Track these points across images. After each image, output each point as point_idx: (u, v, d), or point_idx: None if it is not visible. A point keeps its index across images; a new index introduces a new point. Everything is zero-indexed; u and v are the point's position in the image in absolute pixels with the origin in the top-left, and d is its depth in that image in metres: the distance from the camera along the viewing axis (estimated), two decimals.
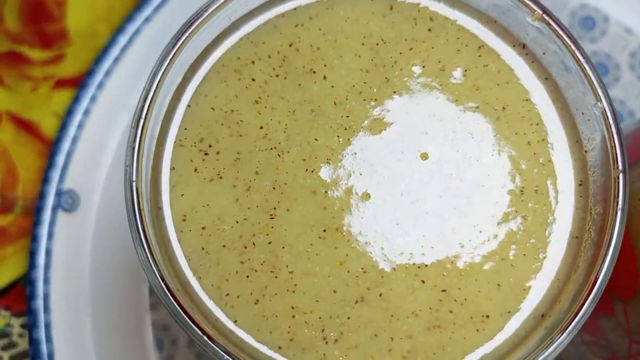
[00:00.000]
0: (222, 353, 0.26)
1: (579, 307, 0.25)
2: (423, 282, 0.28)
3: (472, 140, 0.29)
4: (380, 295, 0.28)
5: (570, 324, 0.25)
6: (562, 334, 0.25)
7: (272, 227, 0.28)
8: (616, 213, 0.26)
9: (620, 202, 0.26)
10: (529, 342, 0.27)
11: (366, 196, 0.29)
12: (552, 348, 0.25)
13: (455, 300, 0.27)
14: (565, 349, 0.43)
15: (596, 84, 0.28)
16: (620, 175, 0.26)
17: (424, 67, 0.30)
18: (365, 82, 0.30)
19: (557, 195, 0.29)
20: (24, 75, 0.46)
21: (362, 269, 0.28)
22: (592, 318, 0.36)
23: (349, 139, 0.29)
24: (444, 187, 0.29)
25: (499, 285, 0.28)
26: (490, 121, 0.29)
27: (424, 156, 0.29)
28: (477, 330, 0.27)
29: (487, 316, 0.27)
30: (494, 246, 0.28)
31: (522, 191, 0.29)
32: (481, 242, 0.28)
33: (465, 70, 0.30)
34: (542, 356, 0.25)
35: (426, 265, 0.28)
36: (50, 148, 0.44)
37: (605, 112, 0.27)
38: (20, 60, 0.46)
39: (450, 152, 0.29)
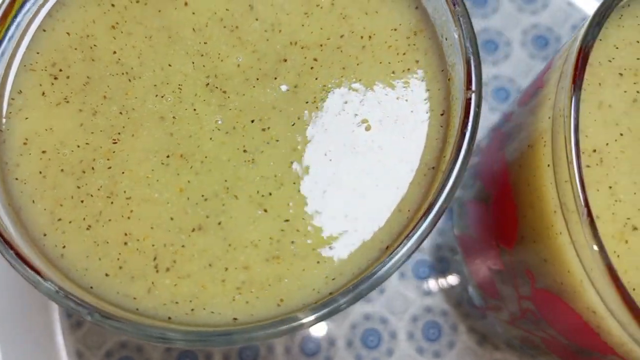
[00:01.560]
0: (39, 277, 0.24)
1: (411, 232, 0.23)
2: (265, 211, 0.26)
3: (333, 70, 0.27)
4: (220, 223, 0.26)
5: (400, 249, 0.23)
6: (392, 258, 0.23)
7: (114, 152, 0.27)
8: (464, 134, 0.24)
9: (470, 123, 0.24)
10: (368, 272, 0.24)
11: (215, 122, 0.27)
12: (376, 275, 0.23)
13: (298, 230, 0.25)
14: (477, 320, 0.40)
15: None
16: (473, 96, 0.24)
17: None
18: (227, 9, 0.28)
19: (416, 126, 0.27)
20: None
21: (202, 196, 0.26)
22: (490, 277, 0.34)
23: (204, 65, 0.28)
24: (297, 115, 0.27)
25: (346, 216, 0.26)
26: (355, 50, 0.28)
27: (280, 83, 0.27)
28: (318, 262, 0.25)
29: (331, 247, 0.25)
30: (345, 176, 0.26)
31: (380, 121, 0.27)
32: (331, 171, 0.26)
33: None
34: (365, 284, 0.23)
35: (270, 194, 0.26)
36: None
37: (462, 34, 0.25)
38: None
39: (308, 79, 0.27)
